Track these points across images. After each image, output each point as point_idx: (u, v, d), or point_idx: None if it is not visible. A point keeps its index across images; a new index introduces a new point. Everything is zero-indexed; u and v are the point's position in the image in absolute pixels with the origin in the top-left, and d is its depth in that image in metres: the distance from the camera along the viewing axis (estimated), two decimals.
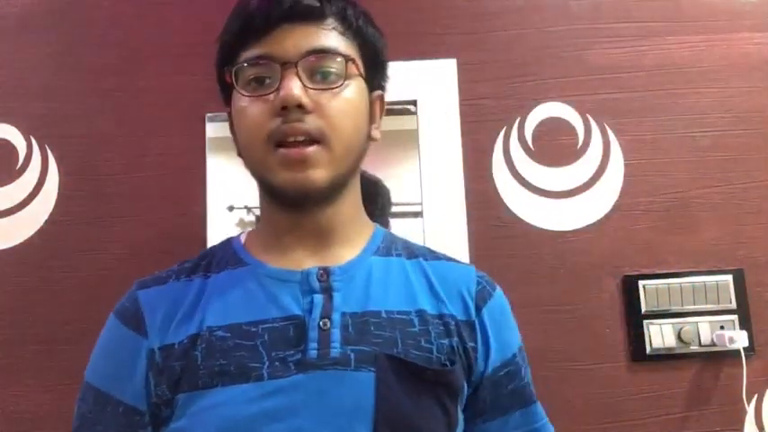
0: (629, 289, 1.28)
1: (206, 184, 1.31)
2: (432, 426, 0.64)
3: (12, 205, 1.31)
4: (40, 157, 1.32)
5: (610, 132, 1.35)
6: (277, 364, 0.62)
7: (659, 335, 1.25)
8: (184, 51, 1.36)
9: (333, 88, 0.65)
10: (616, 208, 1.32)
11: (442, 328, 0.68)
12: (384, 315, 0.66)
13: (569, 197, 1.33)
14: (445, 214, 1.30)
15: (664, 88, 1.36)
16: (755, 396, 1.26)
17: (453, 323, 0.69)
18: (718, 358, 1.26)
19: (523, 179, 1.33)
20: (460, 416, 0.68)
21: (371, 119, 0.72)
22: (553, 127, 1.35)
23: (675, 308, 1.27)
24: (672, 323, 1.26)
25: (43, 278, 1.28)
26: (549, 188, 1.33)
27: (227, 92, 0.74)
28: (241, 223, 1.32)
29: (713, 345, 1.25)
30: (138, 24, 1.37)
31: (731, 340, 1.22)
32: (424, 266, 0.73)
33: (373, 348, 0.63)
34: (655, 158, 1.34)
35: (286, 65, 0.63)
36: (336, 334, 0.63)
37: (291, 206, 0.68)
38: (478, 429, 0.72)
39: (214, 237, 1.29)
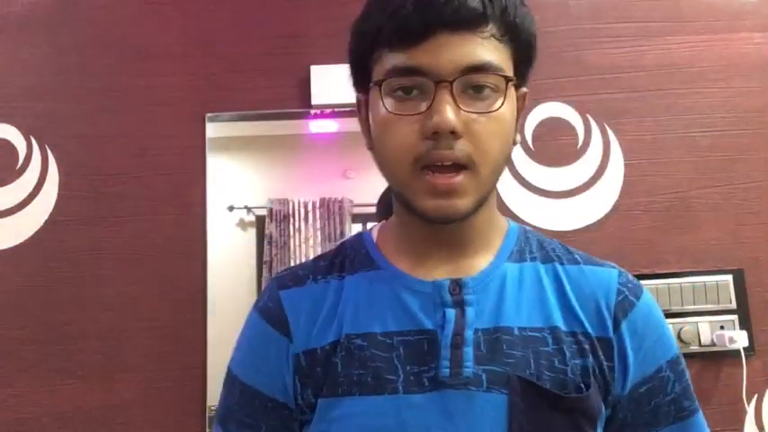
0: None
1: (206, 184, 1.31)
2: None
3: (12, 205, 1.31)
4: (39, 157, 1.32)
5: (610, 132, 1.35)
6: (412, 378, 0.62)
7: None
8: (184, 51, 1.36)
9: (488, 113, 0.60)
10: (616, 208, 1.32)
11: (575, 347, 0.64)
12: (516, 332, 0.63)
13: (569, 197, 1.33)
14: None
15: (664, 88, 1.36)
16: (755, 396, 1.26)
17: (587, 342, 0.64)
18: (718, 358, 1.26)
19: (523, 179, 1.33)
20: None
21: (516, 122, 0.67)
22: (553, 127, 1.35)
23: (675, 308, 1.27)
24: (672, 323, 1.26)
25: (43, 278, 1.28)
26: (549, 188, 1.33)
27: (360, 79, 0.67)
28: (241, 223, 1.32)
29: (713, 345, 1.25)
30: (138, 24, 1.38)
31: (731, 340, 1.22)
32: (559, 273, 0.69)
33: (505, 369, 0.61)
34: (655, 158, 1.34)
35: (441, 83, 0.58)
36: (469, 353, 0.62)
37: (431, 223, 0.65)
38: None
39: (214, 237, 1.30)
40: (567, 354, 0.63)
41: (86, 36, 1.37)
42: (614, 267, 0.71)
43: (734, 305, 1.27)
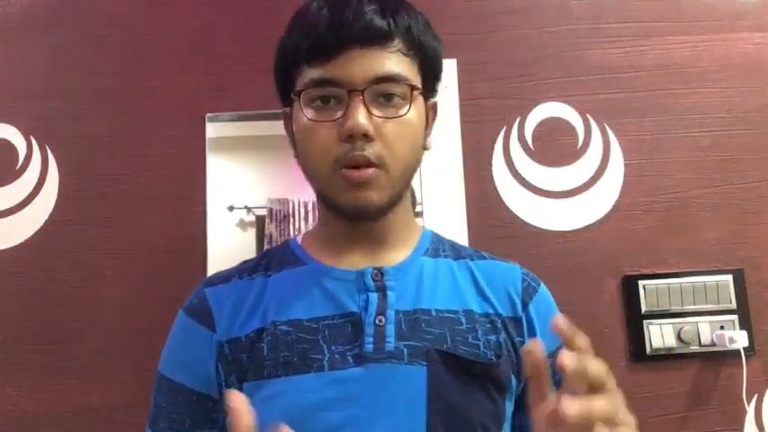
0: (629, 289, 1.28)
1: (206, 184, 1.31)
2: (481, 417, 0.67)
3: (12, 205, 1.31)
4: (39, 157, 1.32)
5: (610, 132, 1.35)
6: (337, 356, 0.66)
7: (659, 335, 1.25)
8: (184, 51, 1.37)
9: (396, 117, 0.67)
10: (616, 208, 1.32)
11: (488, 325, 0.72)
12: (434, 313, 0.70)
13: (569, 197, 1.33)
14: (445, 214, 1.30)
15: (664, 88, 1.36)
16: (755, 396, 1.26)
17: (500, 321, 0.72)
18: (718, 358, 1.26)
19: (523, 179, 1.33)
20: (509, 408, 0.72)
21: (425, 129, 0.74)
22: (553, 127, 1.35)
23: (675, 308, 1.27)
24: (672, 323, 1.26)
25: (43, 278, 1.28)
26: (549, 188, 1.33)
27: (284, 94, 0.74)
28: (241, 223, 1.32)
29: (713, 345, 1.25)
30: (138, 24, 1.38)
31: (731, 340, 1.22)
32: (471, 267, 0.77)
33: (424, 344, 0.68)
34: (655, 158, 1.34)
35: (353, 92, 0.65)
36: (391, 329, 0.68)
37: (349, 219, 0.72)
38: (529, 421, 0.75)
39: (214, 237, 1.30)
40: (480, 331, 0.71)
41: (86, 36, 1.37)
42: (515, 263, 0.80)
43: (734, 305, 1.27)
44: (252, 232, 1.33)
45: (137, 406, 1.24)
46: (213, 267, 1.28)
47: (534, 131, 1.35)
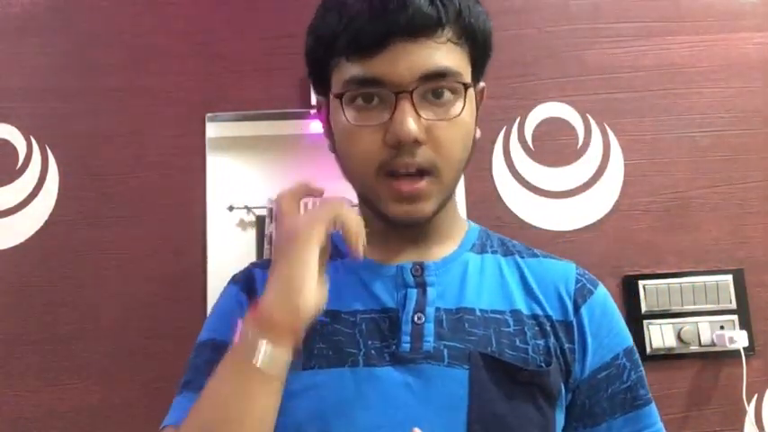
0: (629, 289, 1.28)
1: (206, 184, 1.31)
2: (526, 427, 0.62)
3: (12, 205, 1.31)
4: (39, 157, 1.32)
5: (610, 132, 1.35)
6: (373, 352, 0.63)
7: (659, 335, 1.25)
8: (184, 51, 1.36)
9: (448, 119, 0.61)
10: (616, 208, 1.32)
11: (537, 328, 0.66)
12: (478, 313, 0.65)
13: (569, 197, 1.33)
14: None
15: (664, 88, 1.36)
16: (755, 396, 1.26)
17: (549, 324, 0.67)
18: (718, 358, 1.26)
19: (523, 179, 1.33)
20: (559, 419, 0.66)
21: (475, 119, 0.68)
22: (553, 127, 1.35)
23: (675, 308, 1.27)
24: (672, 323, 1.26)
25: (43, 278, 1.28)
26: (549, 188, 1.33)
27: (317, 82, 0.68)
28: (241, 223, 1.32)
29: (713, 345, 1.25)
30: (138, 24, 1.38)
31: (731, 340, 1.22)
32: (520, 264, 0.71)
33: (467, 345, 0.63)
34: (655, 158, 1.34)
35: (400, 94, 0.59)
36: (430, 328, 0.63)
37: (396, 227, 0.67)
38: None
39: (214, 237, 1.30)
40: (528, 334, 0.65)
41: (86, 36, 1.37)
42: (572, 262, 0.74)
43: (734, 305, 1.27)
44: (252, 232, 1.33)
45: (137, 406, 1.24)
46: (213, 267, 1.28)
47: (534, 131, 1.35)
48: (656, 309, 1.26)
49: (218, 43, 1.37)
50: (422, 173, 0.61)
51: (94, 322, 1.27)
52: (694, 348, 1.25)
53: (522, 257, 0.72)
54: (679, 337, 1.25)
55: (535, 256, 0.73)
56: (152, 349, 1.26)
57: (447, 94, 0.61)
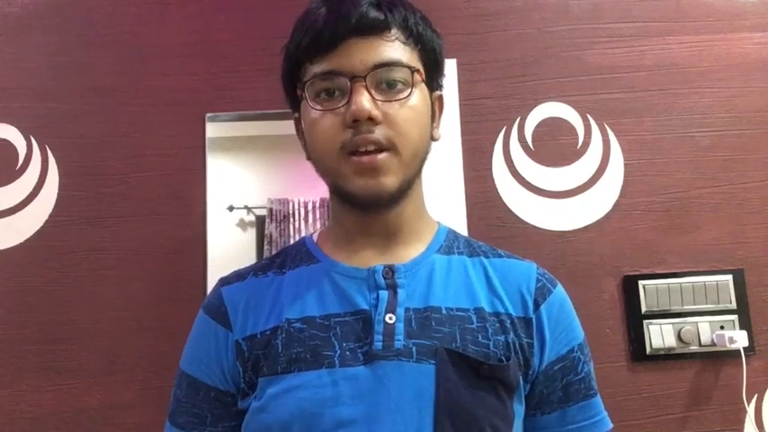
0: (629, 289, 1.28)
1: (206, 184, 1.31)
2: (489, 416, 0.67)
3: (12, 205, 1.31)
4: (39, 157, 1.32)
5: (610, 132, 1.35)
6: (347, 353, 0.67)
7: (659, 335, 1.25)
8: (184, 51, 1.37)
9: (400, 99, 0.68)
10: (616, 208, 1.32)
11: (498, 325, 0.71)
12: (444, 311, 0.70)
13: (569, 197, 1.33)
14: (445, 214, 1.30)
15: (664, 88, 1.36)
16: (755, 396, 1.26)
17: (509, 321, 0.72)
18: (718, 358, 1.26)
19: (523, 179, 1.33)
20: (518, 409, 0.72)
21: (432, 120, 0.75)
22: (553, 127, 1.35)
23: (675, 308, 1.27)
24: (672, 323, 1.26)
25: (43, 278, 1.28)
26: (549, 188, 1.33)
27: (293, 100, 0.77)
28: (241, 223, 1.32)
29: (713, 345, 1.25)
30: (138, 24, 1.38)
31: (731, 340, 1.22)
32: (485, 264, 0.77)
33: (434, 342, 0.68)
34: (655, 158, 1.34)
35: (355, 78, 0.67)
36: (400, 328, 0.68)
37: (362, 208, 0.72)
38: (538, 422, 0.75)
39: (214, 237, 1.30)
40: (490, 330, 0.71)
41: (86, 36, 1.37)
42: (533, 262, 0.80)
43: (734, 305, 1.27)
44: (252, 232, 1.33)
45: (137, 406, 1.24)
46: (213, 267, 1.28)
47: (534, 131, 1.35)
48: (656, 309, 1.27)
49: (218, 43, 1.37)
50: (381, 150, 0.67)
51: (94, 322, 1.27)
52: (694, 348, 1.25)
53: (488, 257, 0.78)
54: (679, 337, 1.25)
55: (500, 256, 0.79)
56: (152, 349, 1.26)
57: (399, 85, 0.68)
